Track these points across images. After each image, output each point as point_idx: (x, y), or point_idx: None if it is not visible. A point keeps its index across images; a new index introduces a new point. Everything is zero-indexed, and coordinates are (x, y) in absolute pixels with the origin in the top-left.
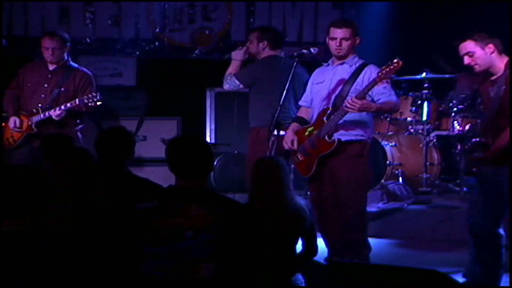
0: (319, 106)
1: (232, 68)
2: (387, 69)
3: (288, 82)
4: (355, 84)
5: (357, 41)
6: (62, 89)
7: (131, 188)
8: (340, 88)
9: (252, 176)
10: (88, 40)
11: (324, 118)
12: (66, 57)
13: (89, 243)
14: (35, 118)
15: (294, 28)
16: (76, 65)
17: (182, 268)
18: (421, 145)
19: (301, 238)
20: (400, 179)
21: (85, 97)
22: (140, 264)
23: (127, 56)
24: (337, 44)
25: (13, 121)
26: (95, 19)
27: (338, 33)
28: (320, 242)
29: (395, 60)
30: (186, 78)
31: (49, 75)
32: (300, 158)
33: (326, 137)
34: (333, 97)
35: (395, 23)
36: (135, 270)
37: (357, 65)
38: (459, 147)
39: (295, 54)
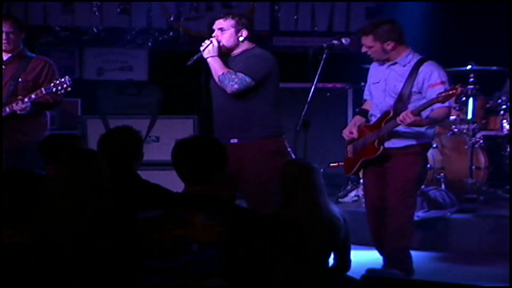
0: (376, 108)
1: (221, 67)
2: (446, 94)
3: (316, 78)
4: (413, 87)
5: (387, 47)
6: (20, 79)
7: (140, 195)
8: (396, 90)
9: (281, 180)
10: (94, 30)
11: (383, 123)
12: (22, 46)
13: (94, 255)
14: None
15: (324, 17)
16: (33, 55)
17: (188, 284)
18: (466, 147)
19: (334, 250)
20: (443, 185)
21: (52, 84)
22: (144, 280)
23: (138, 48)
24: (365, 51)
25: None
26: (103, 6)
27: (364, 40)
28: (354, 255)
29: (455, 86)
30: (206, 75)
31: (4, 66)
32: (349, 155)
33: (376, 143)
34: (388, 99)
35: (439, 9)
36: (139, 285)
37: (411, 63)
38: (508, 149)
39: (324, 45)
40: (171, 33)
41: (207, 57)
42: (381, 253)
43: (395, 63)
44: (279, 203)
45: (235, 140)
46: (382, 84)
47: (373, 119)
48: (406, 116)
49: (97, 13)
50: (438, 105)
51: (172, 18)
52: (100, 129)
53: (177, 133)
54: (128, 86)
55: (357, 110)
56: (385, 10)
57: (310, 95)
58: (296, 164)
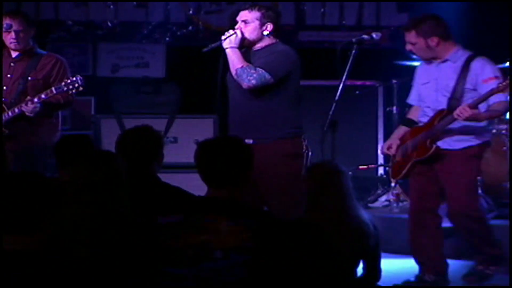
0: (428, 109)
1: (240, 60)
2: (507, 83)
3: (345, 74)
4: (466, 84)
5: (431, 43)
6: (30, 78)
7: (160, 198)
8: (449, 88)
9: (308, 184)
10: (109, 24)
11: (436, 121)
12: (32, 43)
13: (110, 263)
14: (3, 117)
15: (353, 10)
16: (44, 52)
17: None
18: (504, 148)
19: (363, 259)
20: (480, 189)
21: (63, 83)
22: None
23: (155, 43)
24: (409, 49)
25: None
26: None
27: (407, 37)
28: (385, 264)
29: None
30: (224, 69)
31: (12, 64)
32: (397, 158)
33: (428, 142)
34: (441, 98)
35: (474, 4)
36: None
37: (462, 59)
38: None
39: (353, 40)
40: (190, 28)
41: (227, 48)
42: (417, 261)
43: (446, 60)
44: (304, 208)
45: (250, 141)
46: (433, 84)
47: (424, 120)
48: (463, 110)
49: (111, 6)
50: (495, 98)
51: (191, 12)
52: (115, 129)
53: (196, 133)
54: (144, 84)
55: (402, 119)
56: (418, 2)
57: (338, 93)
58: (322, 167)
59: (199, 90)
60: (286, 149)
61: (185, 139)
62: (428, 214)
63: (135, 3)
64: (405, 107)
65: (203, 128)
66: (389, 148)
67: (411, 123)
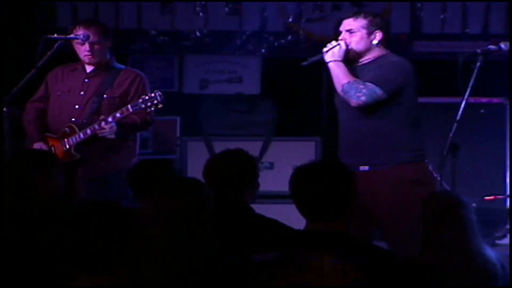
0: None
1: (346, 74)
2: None
3: (468, 91)
4: None
5: None
6: (105, 96)
7: (254, 233)
8: None
9: (424, 218)
10: (198, 34)
11: None
12: (109, 56)
13: None
14: (72, 140)
15: (477, 16)
16: (122, 66)
17: None
18: None
19: None
20: None
21: (140, 100)
22: None
23: (250, 55)
24: None
25: (38, 148)
26: (208, 6)
27: None
28: None
29: None
30: (328, 85)
31: (86, 80)
32: None
33: None
34: None
35: None
36: None
37: None
38: None
39: (478, 51)
40: (289, 37)
41: (329, 61)
42: None
43: None
44: (421, 245)
45: (366, 168)
46: None
47: None
48: None
49: (201, 14)
50: None
51: (290, 19)
52: (203, 153)
53: (295, 158)
54: (237, 101)
55: None
56: None
57: (460, 112)
58: (441, 198)
59: (299, 108)
60: (408, 174)
61: (283, 164)
62: None
63: (227, 9)
64: None
65: (303, 152)
66: None
67: None
